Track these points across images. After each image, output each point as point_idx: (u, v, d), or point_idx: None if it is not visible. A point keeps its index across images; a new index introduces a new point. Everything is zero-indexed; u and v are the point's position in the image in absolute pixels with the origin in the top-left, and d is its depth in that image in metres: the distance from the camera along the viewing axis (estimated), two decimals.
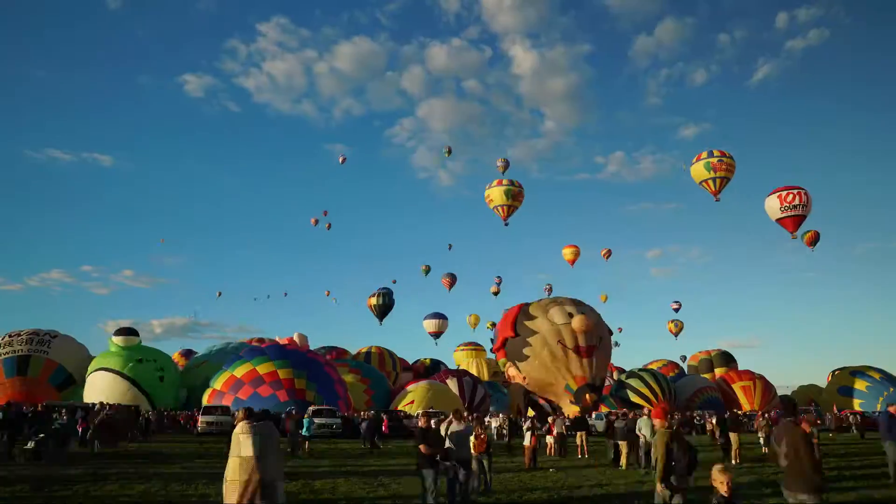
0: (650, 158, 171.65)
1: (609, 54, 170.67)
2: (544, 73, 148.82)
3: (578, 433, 18.98)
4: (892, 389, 40.84)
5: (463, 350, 61.89)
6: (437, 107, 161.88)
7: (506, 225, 41.54)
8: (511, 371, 38.25)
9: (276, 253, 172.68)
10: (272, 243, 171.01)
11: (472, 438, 9.69)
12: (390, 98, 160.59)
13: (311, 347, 41.01)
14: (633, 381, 40.25)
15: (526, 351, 36.87)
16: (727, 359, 57.06)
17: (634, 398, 39.24)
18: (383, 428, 24.18)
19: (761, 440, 18.97)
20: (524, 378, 37.33)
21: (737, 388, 43.84)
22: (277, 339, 39.70)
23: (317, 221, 63.97)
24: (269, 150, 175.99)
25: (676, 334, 61.86)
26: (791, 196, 35.48)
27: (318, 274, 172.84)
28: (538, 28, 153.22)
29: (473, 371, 48.96)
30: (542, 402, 37.00)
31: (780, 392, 48.32)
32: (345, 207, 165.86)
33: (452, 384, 39.88)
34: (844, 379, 43.92)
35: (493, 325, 53.02)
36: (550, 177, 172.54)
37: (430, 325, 58.90)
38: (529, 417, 27.04)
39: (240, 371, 32.45)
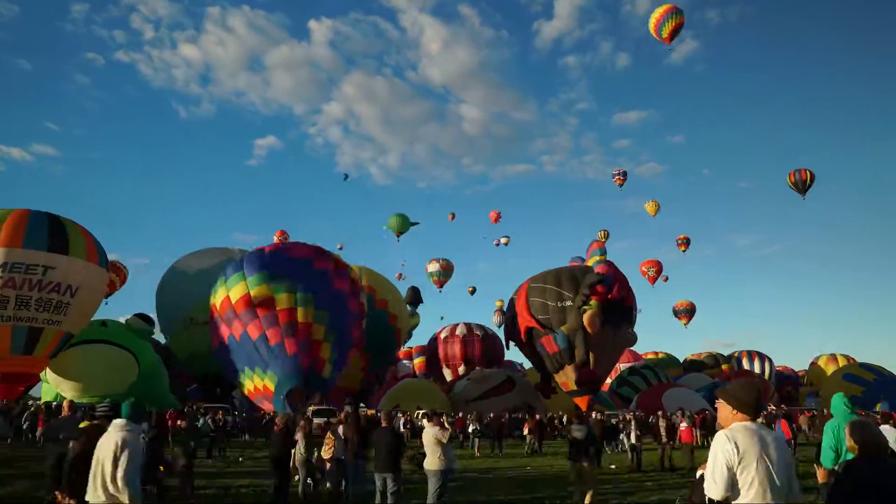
0: (599, 150, 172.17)
1: (519, 33, 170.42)
2: (456, 54, 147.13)
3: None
4: (882, 397, 40.63)
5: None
6: (357, 91, 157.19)
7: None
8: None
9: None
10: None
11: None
12: (306, 82, 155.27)
13: None
14: (634, 379, 39.29)
15: None
16: (717, 361, 56.75)
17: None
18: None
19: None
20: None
21: None
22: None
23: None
24: (181, 141, 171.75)
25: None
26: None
27: None
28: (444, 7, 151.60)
29: None
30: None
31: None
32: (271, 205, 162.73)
33: (448, 373, 38.59)
34: (838, 384, 43.52)
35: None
36: (487, 168, 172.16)
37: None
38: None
39: (236, 293, 25.22)
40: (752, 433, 3.06)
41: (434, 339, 44.20)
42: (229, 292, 25.43)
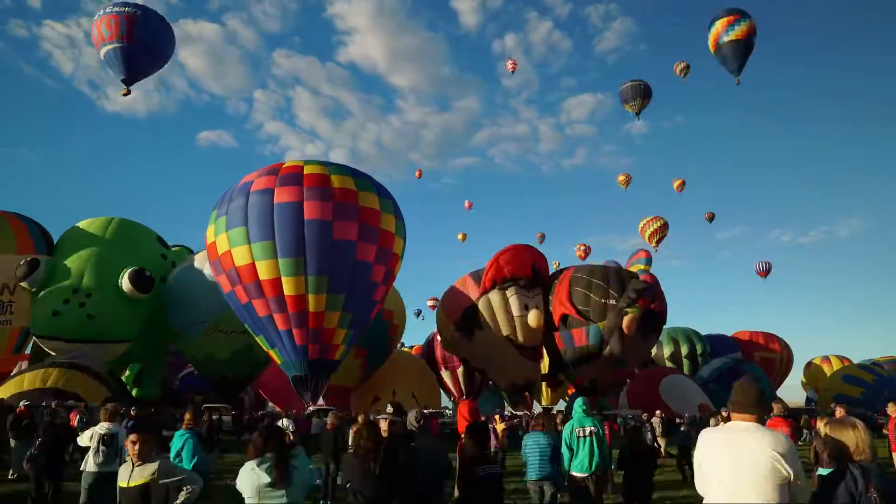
0: (551, 137, 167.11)
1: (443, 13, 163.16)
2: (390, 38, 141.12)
3: None
4: (886, 392, 40.46)
5: None
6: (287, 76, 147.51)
7: None
8: None
9: None
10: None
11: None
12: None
13: None
14: None
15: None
16: None
17: None
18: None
19: None
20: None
21: None
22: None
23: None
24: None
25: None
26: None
27: None
28: None
29: None
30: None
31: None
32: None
33: (447, 376, 38.16)
34: (838, 385, 43.45)
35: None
36: (442, 163, 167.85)
37: None
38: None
39: (240, 256, 21.61)
40: (725, 432, 3.03)
41: (430, 341, 43.75)
42: (231, 249, 21.90)
